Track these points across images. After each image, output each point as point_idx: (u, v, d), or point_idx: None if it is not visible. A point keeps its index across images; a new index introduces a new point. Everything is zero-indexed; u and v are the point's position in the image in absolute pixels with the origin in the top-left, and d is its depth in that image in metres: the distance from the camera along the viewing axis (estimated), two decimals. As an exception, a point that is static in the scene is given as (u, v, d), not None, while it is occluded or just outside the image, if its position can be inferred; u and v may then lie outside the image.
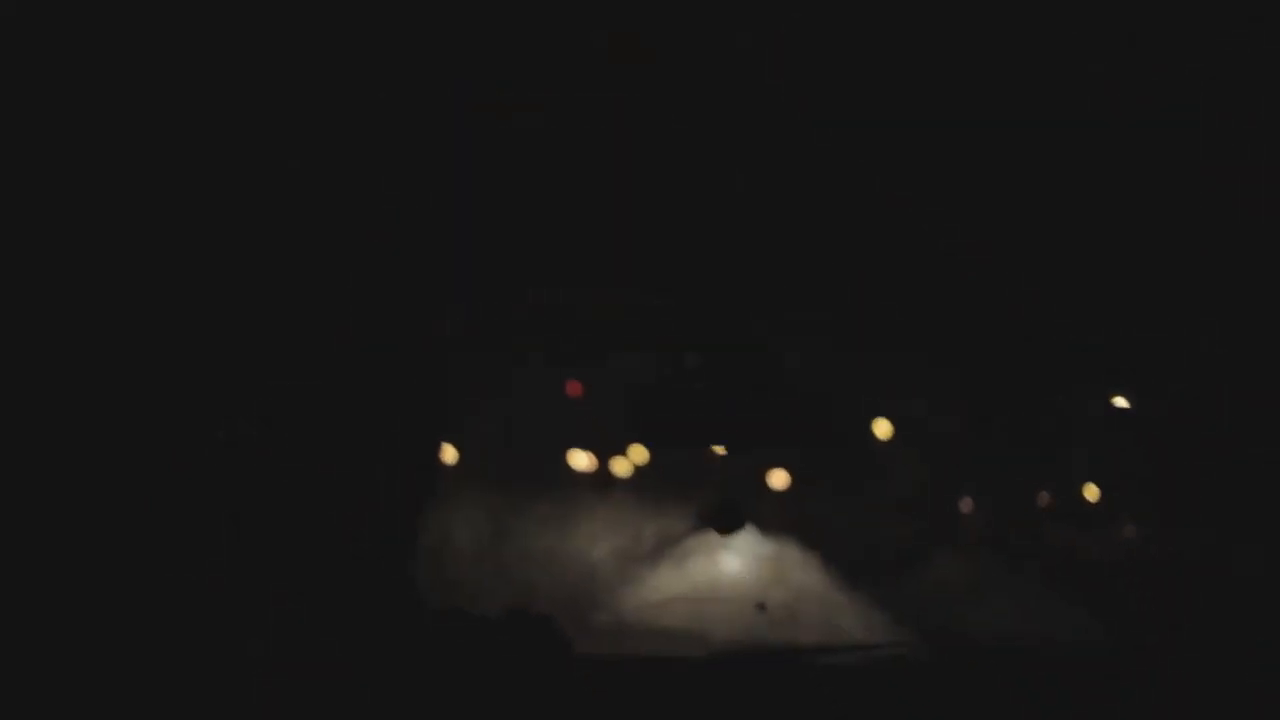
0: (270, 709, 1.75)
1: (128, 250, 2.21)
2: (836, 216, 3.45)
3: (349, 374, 2.12)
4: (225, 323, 2.10)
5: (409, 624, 1.93)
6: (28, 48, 2.31)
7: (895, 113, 3.28)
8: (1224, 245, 3.43)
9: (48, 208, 2.26)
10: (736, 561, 6.61)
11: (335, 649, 1.81)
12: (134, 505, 1.91)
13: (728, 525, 3.29)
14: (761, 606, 6.05)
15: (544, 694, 1.92)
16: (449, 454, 4.16)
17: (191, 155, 2.39)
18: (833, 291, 3.68)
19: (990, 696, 2.11)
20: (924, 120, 3.30)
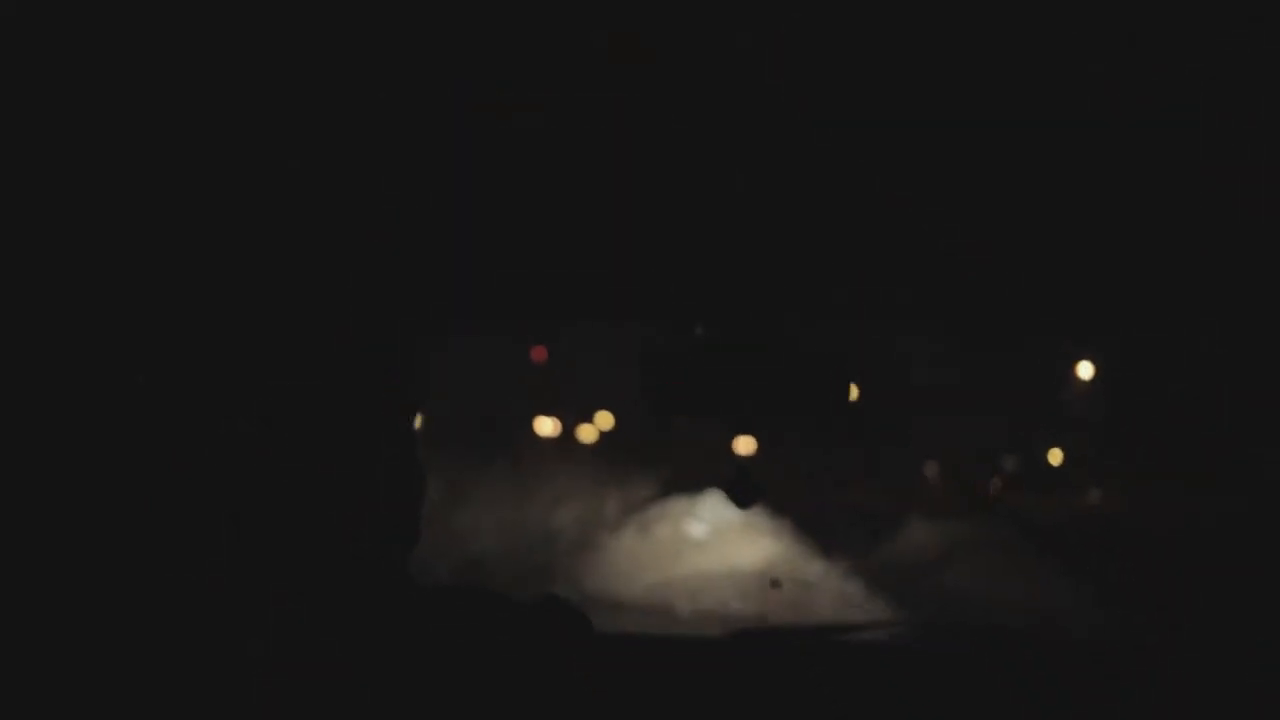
0: (270, 709, 1.74)
1: (127, 250, 2.21)
2: (836, 216, 3.45)
3: (349, 374, 2.11)
4: (225, 322, 2.09)
5: (410, 617, 1.92)
6: (28, 48, 2.32)
7: (895, 113, 3.28)
8: (1224, 245, 3.44)
9: (48, 208, 2.26)
10: (702, 529, 6.46)
11: (335, 649, 1.80)
12: (134, 505, 1.90)
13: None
14: (776, 584, 5.89)
15: (561, 679, 1.91)
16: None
17: (191, 155, 2.39)
18: (829, 286, 3.68)
19: (985, 676, 2.11)
20: (924, 120, 3.30)
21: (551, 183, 3.30)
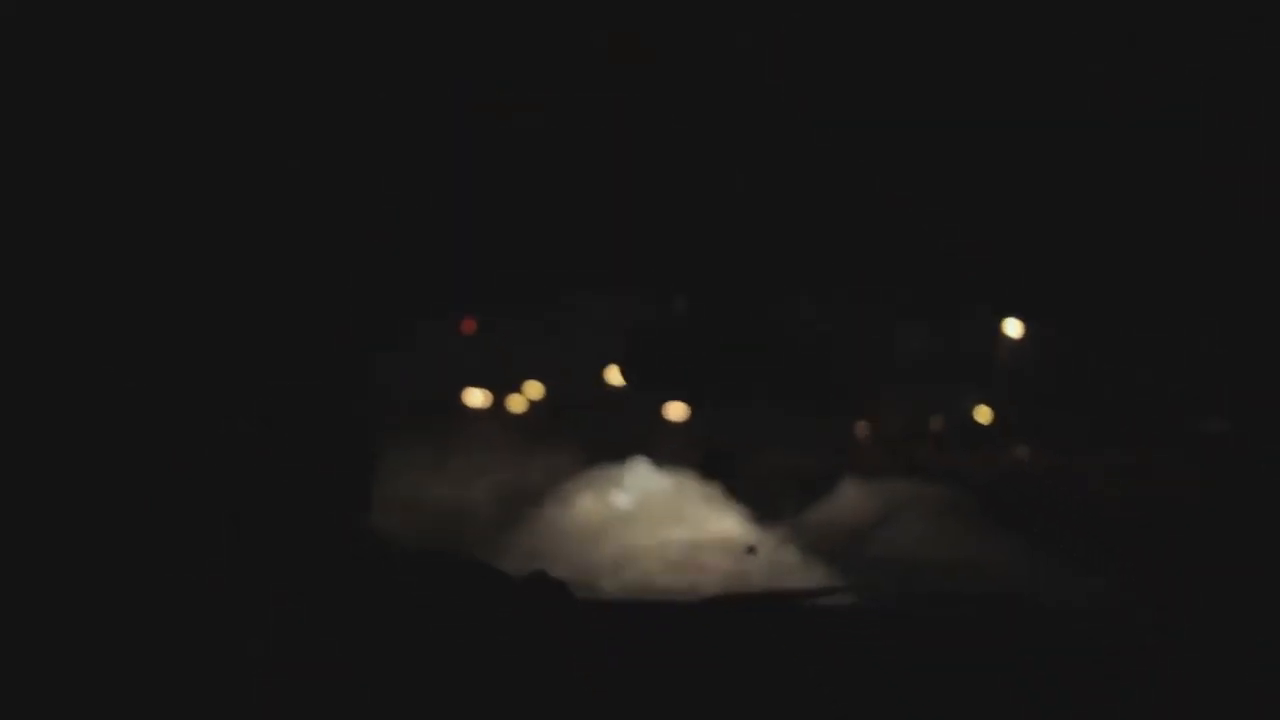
0: (270, 709, 1.75)
1: (128, 250, 2.21)
2: (836, 216, 3.45)
3: (349, 374, 2.12)
4: (225, 322, 2.10)
5: (400, 590, 1.93)
6: (28, 48, 2.32)
7: (895, 113, 3.29)
8: (1224, 245, 3.44)
9: (48, 208, 2.26)
10: (627, 499, 6.32)
11: (335, 649, 1.81)
12: (134, 505, 1.91)
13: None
14: (752, 550, 5.80)
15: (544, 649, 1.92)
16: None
17: (191, 155, 2.39)
18: (830, 286, 3.68)
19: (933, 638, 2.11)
20: (924, 120, 3.30)
21: (552, 183, 3.30)
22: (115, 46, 2.43)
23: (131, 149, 2.37)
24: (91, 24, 2.40)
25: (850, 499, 6.33)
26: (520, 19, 3.10)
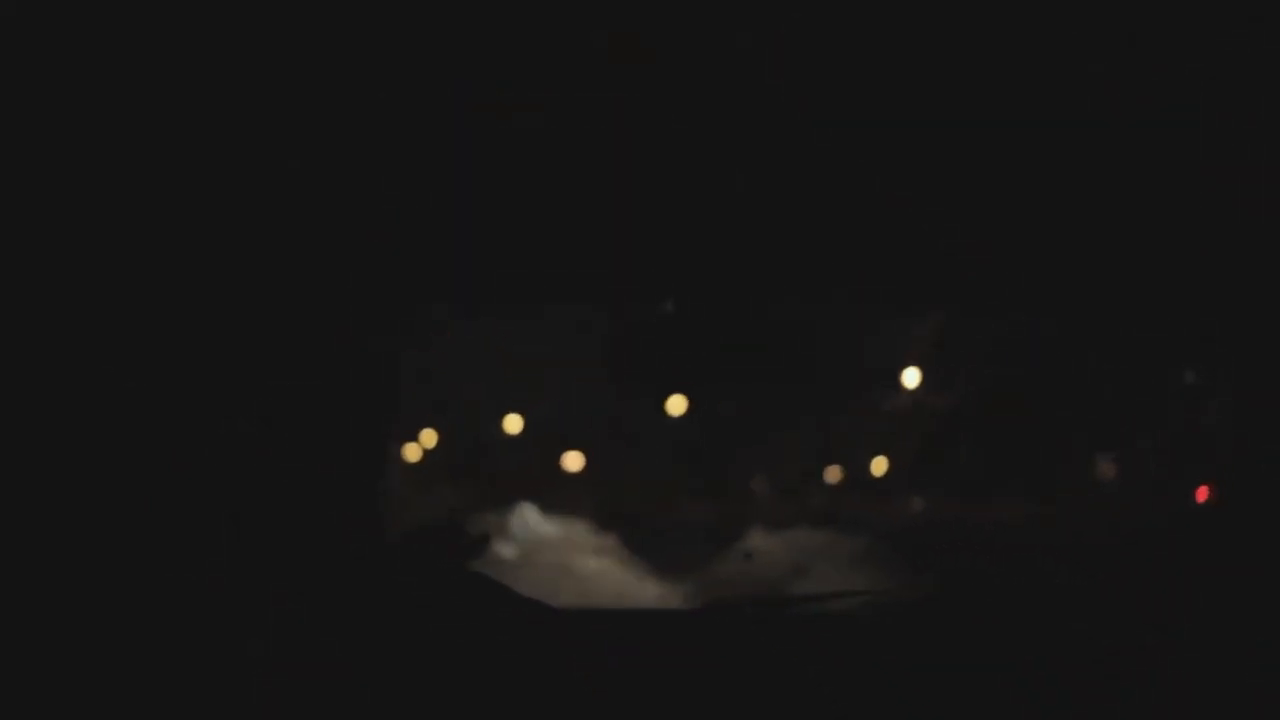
0: (270, 710, 1.75)
1: (128, 250, 2.21)
2: (836, 216, 3.45)
3: (350, 374, 2.11)
4: (225, 322, 2.10)
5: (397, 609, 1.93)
6: (28, 48, 2.32)
7: (895, 113, 3.29)
8: (1224, 245, 3.44)
9: (48, 208, 2.26)
10: (511, 549, 6.10)
11: (336, 649, 1.81)
12: (134, 505, 1.91)
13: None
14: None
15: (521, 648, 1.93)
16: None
17: (191, 155, 2.39)
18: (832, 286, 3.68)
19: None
20: (924, 120, 3.30)
21: (551, 183, 3.30)
22: (115, 46, 2.43)
23: (131, 149, 2.37)
24: (91, 24, 2.40)
25: (760, 549, 6.15)
26: (520, 19, 3.10)
